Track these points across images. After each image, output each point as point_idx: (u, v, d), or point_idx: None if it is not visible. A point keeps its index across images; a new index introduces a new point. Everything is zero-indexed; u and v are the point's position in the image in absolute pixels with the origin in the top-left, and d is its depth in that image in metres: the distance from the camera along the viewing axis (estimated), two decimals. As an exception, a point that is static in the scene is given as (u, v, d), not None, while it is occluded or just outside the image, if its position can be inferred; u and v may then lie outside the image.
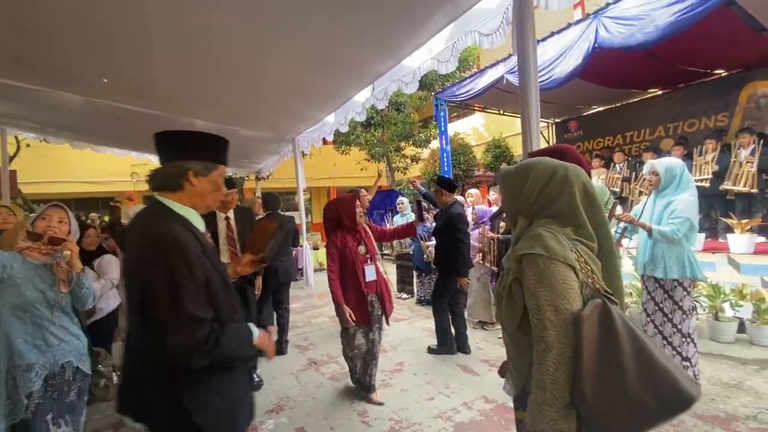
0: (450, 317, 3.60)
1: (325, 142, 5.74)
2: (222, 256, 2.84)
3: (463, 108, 9.05)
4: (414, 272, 5.73)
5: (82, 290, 1.78)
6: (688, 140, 6.28)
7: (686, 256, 2.44)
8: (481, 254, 4.04)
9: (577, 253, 0.99)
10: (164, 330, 0.99)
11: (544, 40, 5.38)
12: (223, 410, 1.14)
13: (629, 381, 0.85)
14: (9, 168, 5.59)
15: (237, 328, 1.15)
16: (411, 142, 11.45)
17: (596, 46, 4.50)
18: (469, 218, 4.30)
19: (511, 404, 1.28)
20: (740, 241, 3.84)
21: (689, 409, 0.85)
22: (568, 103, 8.11)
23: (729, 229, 4.26)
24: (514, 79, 5.64)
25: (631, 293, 4.03)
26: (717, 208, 5.08)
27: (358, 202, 2.75)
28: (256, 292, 3.11)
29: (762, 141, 4.54)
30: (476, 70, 8.31)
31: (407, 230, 3.03)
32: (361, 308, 2.67)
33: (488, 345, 3.70)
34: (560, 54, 5.03)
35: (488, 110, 8.46)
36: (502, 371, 1.32)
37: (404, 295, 5.90)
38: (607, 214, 1.91)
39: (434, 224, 3.90)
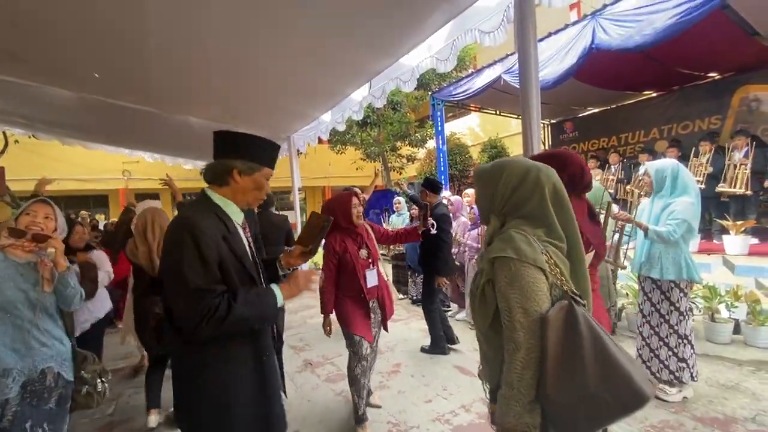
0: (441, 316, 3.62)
1: (320, 141, 5.69)
2: None
3: (460, 108, 9.05)
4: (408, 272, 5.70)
5: (66, 289, 1.70)
6: (681, 142, 6.34)
7: (683, 258, 2.43)
8: (479, 255, 4.02)
9: (548, 254, 1.03)
10: (173, 300, 1.13)
11: (541, 40, 5.38)
12: (216, 408, 1.21)
13: (589, 379, 0.89)
14: (-3, 164, 5.47)
15: (253, 293, 1.23)
16: (407, 142, 11.44)
17: (593, 47, 4.51)
18: (467, 219, 4.28)
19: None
20: (735, 242, 3.86)
21: (643, 407, 0.90)
22: (564, 104, 8.14)
23: (724, 231, 4.29)
24: (511, 79, 5.65)
25: (627, 294, 4.03)
26: (711, 210, 5.12)
27: (356, 200, 2.51)
28: None
29: (755, 143, 4.57)
30: (473, 70, 8.32)
31: (411, 235, 2.79)
32: (363, 318, 2.43)
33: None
34: (556, 53, 5.04)
35: (485, 110, 8.47)
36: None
37: (400, 296, 5.87)
38: (603, 215, 1.90)
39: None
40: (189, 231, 1.13)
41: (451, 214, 4.05)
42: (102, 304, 2.90)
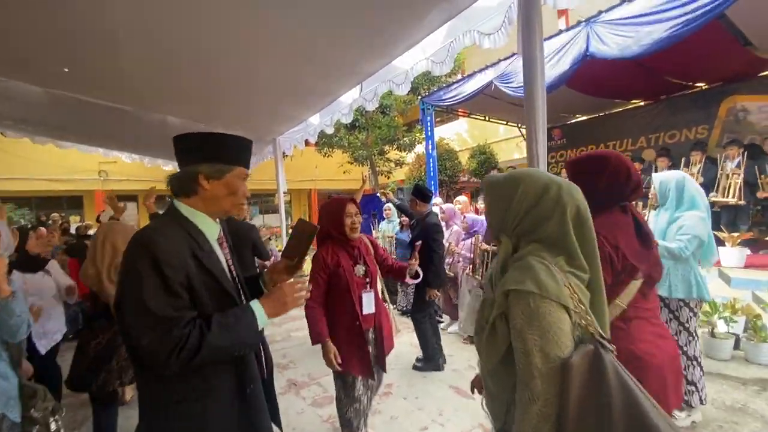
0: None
1: (307, 143, 5.48)
2: None
3: (448, 113, 8.96)
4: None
5: (11, 318, 1.46)
6: (670, 151, 6.35)
7: (692, 275, 2.31)
8: (471, 266, 3.86)
9: (571, 288, 0.89)
10: (135, 333, 0.96)
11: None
12: None
13: None
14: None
15: (229, 315, 1.06)
16: (395, 146, 11.29)
17: (588, 54, 4.44)
18: (460, 228, 4.12)
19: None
20: (731, 254, 3.81)
21: None
22: (552, 111, 8.11)
23: (719, 242, 4.24)
24: (502, 84, 5.56)
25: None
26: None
27: (351, 208, 2.07)
28: None
29: (747, 153, 4.56)
30: (461, 75, 8.24)
31: (397, 274, 2.30)
32: (358, 352, 1.98)
33: (480, 363, 3.50)
34: (548, 60, 4.96)
35: (474, 116, 8.39)
36: (476, 386, 1.29)
37: (392, 307, 5.67)
38: None
39: (410, 234, 3.74)
40: (149, 250, 0.98)
41: (443, 223, 3.90)
42: (57, 323, 2.61)
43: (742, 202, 4.57)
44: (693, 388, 2.35)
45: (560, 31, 5.09)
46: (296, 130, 4.85)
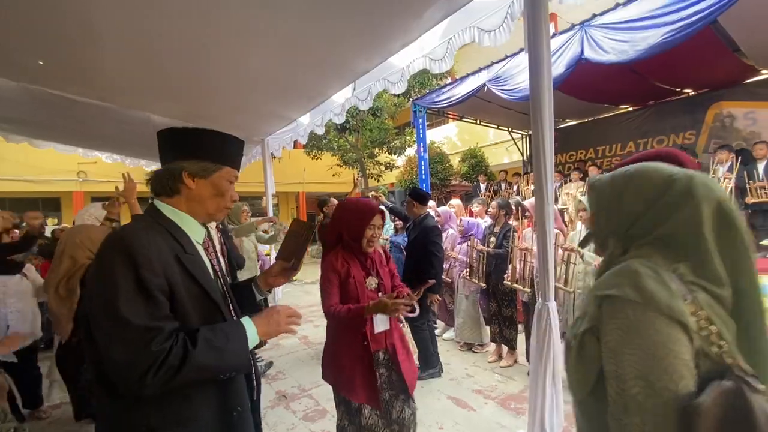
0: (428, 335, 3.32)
1: (296, 145, 5.33)
2: None
3: (440, 116, 8.92)
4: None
5: None
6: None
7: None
8: (468, 269, 3.76)
9: (695, 304, 0.67)
10: (105, 343, 0.83)
11: (524, 50, 5.25)
12: None
13: None
14: None
15: (217, 330, 0.93)
16: (386, 149, 11.19)
17: (583, 59, 4.41)
18: (456, 231, 4.02)
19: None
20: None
21: None
22: (543, 116, 8.15)
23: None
24: (495, 87, 5.52)
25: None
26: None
27: (378, 221, 1.78)
28: None
29: (740, 158, 4.60)
30: (450, 80, 8.20)
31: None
32: (364, 375, 1.70)
33: (479, 372, 3.39)
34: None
35: (466, 119, 8.35)
36: None
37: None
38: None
39: (406, 237, 3.61)
40: (124, 251, 0.86)
41: (439, 226, 3.79)
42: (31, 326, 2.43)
43: (733, 207, 4.59)
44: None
45: (554, 35, 5.06)
46: (286, 130, 4.70)
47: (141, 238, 0.89)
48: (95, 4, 2.04)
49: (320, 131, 4.40)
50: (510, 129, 9.08)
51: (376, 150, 11.23)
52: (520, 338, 3.53)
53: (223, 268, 1.26)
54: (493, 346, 3.67)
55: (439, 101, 6.73)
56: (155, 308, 0.86)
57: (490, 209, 3.80)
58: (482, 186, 8.86)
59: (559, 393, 1.93)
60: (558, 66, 4.68)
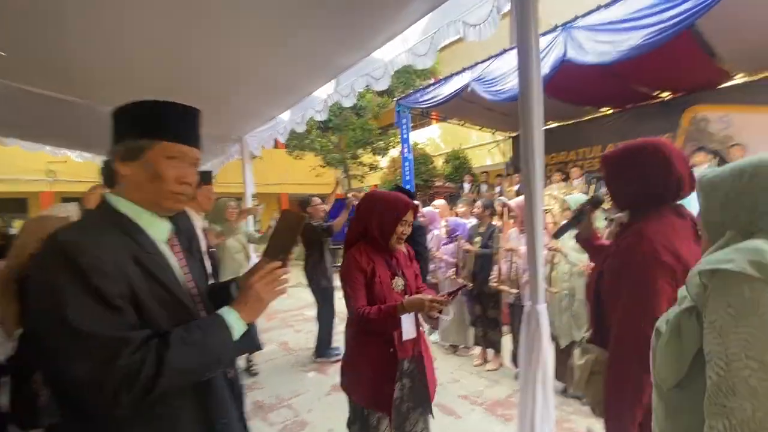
0: None
1: (277, 144, 5.17)
2: None
3: (423, 117, 8.89)
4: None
5: None
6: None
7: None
8: (454, 269, 3.68)
9: None
10: (65, 360, 0.72)
11: (509, 50, 5.25)
12: None
13: None
14: None
15: (192, 328, 0.82)
16: (369, 150, 11.09)
17: (566, 59, 4.43)
18: (441, 232, 3.95)
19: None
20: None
21: None
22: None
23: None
24: (479, 87, 5.50)
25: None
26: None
27: (410, 217, 1.64)
28: None
29: (717, 159, 4.69)
30: (433, 80, 8.19)
31: None
32: (387, 385, 1.53)
33: (465, 376, 3.31)
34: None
35: (449, 121, 8.34)
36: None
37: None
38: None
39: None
40: (68, 256, 0.73)
41: (423, 227, 3.70)
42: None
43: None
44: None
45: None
46: (265, 128, 4.54)
47: (85, 239, 0.76)
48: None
49: (301, 129, 4.25)
50: (493, 131, 9.12)
51: (360, 150, 11.12)
52: (506, 339, 3.47)
53: (201, 268, 1.11)
54: (478, 349, 3.60)
55: (423, 101, 6.68)
56: (118, 317, 0.75)
57: (475, 209, 3.74)
58: (466, 186, 8.87)
59: (549, 399, 1.85)
60: (543, 67, 4.68)
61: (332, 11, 2.28)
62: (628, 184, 1.21)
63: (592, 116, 8.24)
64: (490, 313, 3.45)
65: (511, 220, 3.60)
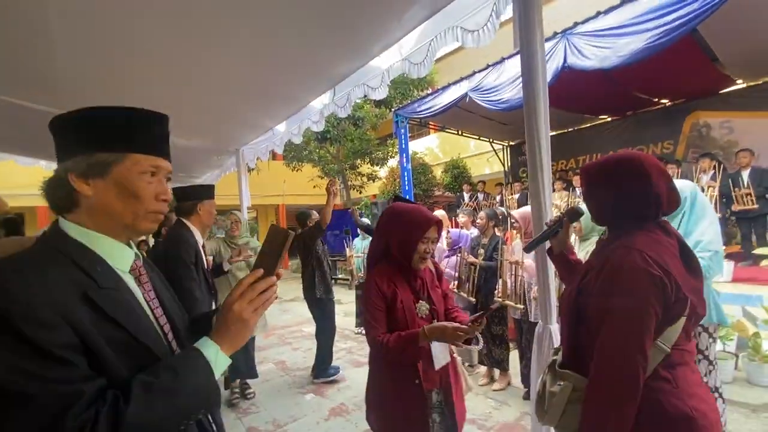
0: None
1: (274, 156, 5.08)
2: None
3: (420, 127, 8.84)
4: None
5: None
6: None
7: (711, 297, 2.08)
8: (456, 282, 3.54)
9: None
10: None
11: (508, 58, 5.19)
12: None
13: None
14: None
15: (160, 371, 0.70)
16: (367, 160, 11.02)
17: (566, 66, 4.36)
18: (443, 243, 3.82)
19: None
20: (718, 268, 3.71)
21: None
22: (524, 126, 8.17)
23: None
24: (477, 96, 5.43)
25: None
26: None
27: (433, 233, 1.49)
28: None
29: (722, 166, 4.59)
30: (430, 90, 8.15)
31: None
32: (416, 421, 1.40)
33: (470, 397, 3.11)
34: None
35: (447, 130, 8.28)
36: None
37: (364, 331, 5.25)
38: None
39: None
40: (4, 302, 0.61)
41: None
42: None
43: (718, 215, 4.57)
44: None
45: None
46: (261, 139, 4.45)
47: (15, 282, 0.63)
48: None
49: (297, 140, 4.17)
50: (491, 140, 9.06)
51: (358, 161, 11.05)
52: (512, 356, 3.32)
53: (176, 296, 0.98)
54: (483, 368, 3.44)
55: (421, 111, 6.61)
56: (61, 371, 0.62)
57: (478, 220, 3.62)
58: (466, 196, 8.77)
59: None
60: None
61: (329, 20, 2.20)
62: (605, 199, 1.13)
63: (592, 123, 8.19)
64: (495, 329, 3.30)
65: (515, 231, 3.48)
